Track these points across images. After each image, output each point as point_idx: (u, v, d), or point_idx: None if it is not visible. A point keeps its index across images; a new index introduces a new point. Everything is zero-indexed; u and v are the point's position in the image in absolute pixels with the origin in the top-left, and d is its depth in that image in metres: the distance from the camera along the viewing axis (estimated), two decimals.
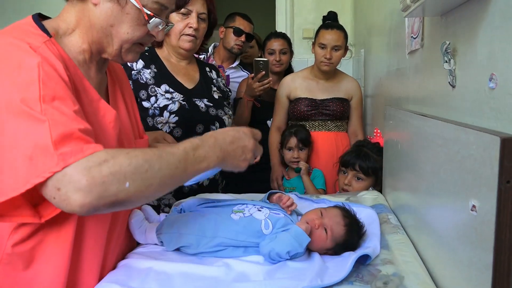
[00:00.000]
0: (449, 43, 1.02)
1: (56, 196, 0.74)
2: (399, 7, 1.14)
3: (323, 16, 2.44)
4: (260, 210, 1.19)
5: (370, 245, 1.16)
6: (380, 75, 2.20)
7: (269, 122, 2.50)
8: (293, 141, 2.23)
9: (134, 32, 0.94)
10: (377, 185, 1.85)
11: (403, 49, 1.58)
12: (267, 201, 1.30)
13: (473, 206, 0.77)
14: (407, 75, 1.54)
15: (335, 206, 1.23)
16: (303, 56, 3.27)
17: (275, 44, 2.51)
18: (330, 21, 2.37)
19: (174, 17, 1.59)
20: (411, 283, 0.97)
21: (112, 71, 1.12)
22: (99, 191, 0.74)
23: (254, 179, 2.51)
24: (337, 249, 1.16)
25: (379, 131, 2.05)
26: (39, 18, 0.93)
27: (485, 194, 0.73)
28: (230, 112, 1.86)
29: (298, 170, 2.21)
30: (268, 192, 1.33)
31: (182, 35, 1.62)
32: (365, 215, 1.34)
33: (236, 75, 2.66)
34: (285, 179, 2.34)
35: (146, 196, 0.82)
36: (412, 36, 1.41)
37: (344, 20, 3.20)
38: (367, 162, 1.84)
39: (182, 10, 1.58)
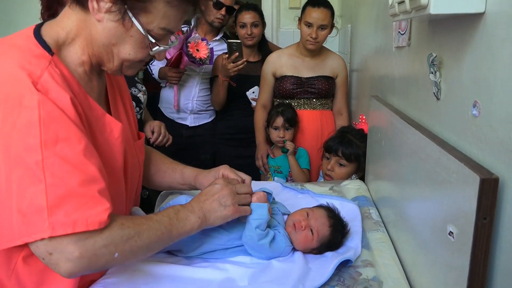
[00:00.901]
0: (436, 56, 1.02)
1: (46, 259, 0.77)
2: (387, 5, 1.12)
3: None
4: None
5: (352, 245, 1.21)
6: (366, 52, 2.19)
7: (248, 94, 2.52)
8: (279, 121, 2.24)
9: (136, 54, 0.92)
10: (360, 171, 1.89)
11: (389, 31, 1.55)
12: None
13: (451, 232, 0.81)
14: (392, 67, 1.54)
15: (321, 206, 1.27)
16: (289, 27, 3.21)
17: (246, 17, 2.47)
18: None
19: None
20: None
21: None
22: (89, 262, 0.78)
23: (238, 154, 2.56)
24: (322, 248, 1.20)
25: (364, 117, 2.07)
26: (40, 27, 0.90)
27: (463, 225, 0.76)
28: (144, 88, 2.07)
29: (285, 151, 2.23)
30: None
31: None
32: (347, 210, 1.38)
33: (220, 48, 2.63)
34: (270, 157, 2.37)
35: (131, 261, 0.91)
36: (399, 32, 1.39)
37: None
38: (349, 149, 1.88)
39: None
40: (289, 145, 2.23)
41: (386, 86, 1.65)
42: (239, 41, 2.35)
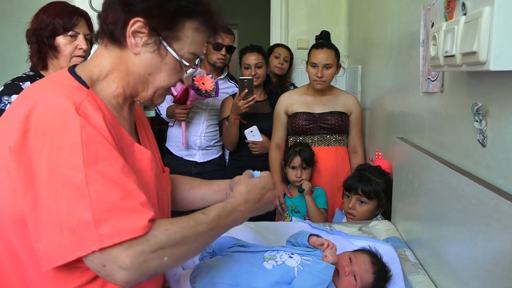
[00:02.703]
0: (481, 106, 1.06)
1: (101, 271, 0.81)
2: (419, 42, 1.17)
3: (316, 36, 2.50)
4: (291, 257, 1.22)
5: None
6: (382, 92, 2.25)
7: (246, 132, 2.51)
8: (297, 161, 2.26)
9: (170, 80, 1.00)
10: (381, 208, 1.92)
11: (414, 76, 1.61)
12: (306, 243, 1.31)
13: None
14: (419, 110, 1.59)
15: (363, 251, 1.27)
16: (298, 67, 3.29)
17: (250, 59, 2.55)
18: (323, 40, 2.43)
19: (61, 40, 1.66)
20: None
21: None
22: (141, 268, 0.81)
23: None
24: None
25: (380, 153, 2.11)
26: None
27: None
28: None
29: (301, 191, 2.25)
30: (308, 234, 1.34)
31: (72, 57, 1.69)
32: (383, 252, 1.38)
33: (225, 86, 2.71)
34: (287, 196, 2.37)
35: (181, 263, 0.95)
36: (429, 78, 1.45)
37: (339, 32, 3.25)
38: (369, 186, 1.91)
39: (70, 32, 1.66)
40: (305, 185, 2.24)
41: (411, 128, 1.69)
42: (250, 77, 2.40)
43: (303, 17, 3.30)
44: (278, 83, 2.92)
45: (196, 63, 1.06)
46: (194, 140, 2.64)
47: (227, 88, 2.71)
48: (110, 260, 0.79)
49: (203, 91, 2.44)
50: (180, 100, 2.48)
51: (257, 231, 1.60)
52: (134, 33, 0.93)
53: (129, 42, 0.94)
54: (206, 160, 2.69)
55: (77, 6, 1.75)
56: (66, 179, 0.80)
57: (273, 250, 1.25)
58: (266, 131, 2.50)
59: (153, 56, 0.95)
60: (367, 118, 2.61)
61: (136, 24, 0.92)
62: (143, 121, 1.20)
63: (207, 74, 2.48)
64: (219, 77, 2.69)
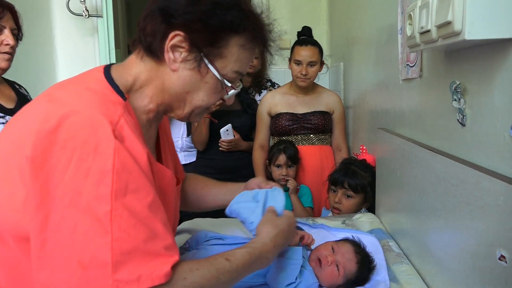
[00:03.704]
0: (459, 83, 1.03)
1: None
2: (397, 31, 1.15)
3: (298, 32, 2.46)
4: None
5: (379, 279, 1.17)
6: (364, 87, 2.23)
7: (222, 131, 2.41)
8: (282, 158, 2.22)
9: (209, 100, 0.91)
10: (367, 202, 1.88)
11: (394, 66, 1.59)
12: None
13: (502, 256, 0.79)
14: (400, 98, 1.56)
15: (346, 240, 1.23)
16: (280, 67, 3.26)
17: None
18: (305, 36, 2.40)
19: None
20: None
21: None
22: None
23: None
24: (348, 285, 1.16)
25: (365, 147, 2.08)
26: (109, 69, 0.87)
27: None
28: None
29: (286, 190, 2.20)
30: None
31: None
32: (367, 242, 1.34)
33: None
34: None
35: None
36: (408, 64, 1.42)
37: (320, 31, 3.24)
38: (355, 180, 1.87)
39: None
40: (290, 183, 2.20)
41: (392, 118, 1.67)
42: None
43: (284, 17, 3.27)
44: (254, 82, 2.86)
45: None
46: (176, 142, 2.57)
47: None
48: None
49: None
50: None
51: (238, 226, 1.55)
52: (173, 47, 0.84)
53: (167, 57, 0.84)
54: (188, 162, 2.62)
55: (52, 7, 1.59)
56: (88, 208, 0.69)
57: None
58: (238, 129, 2.43)
59: (192, 74, 0.86)
60: (351, 116, 2.59)
61: (175, 38, 0.83)
62: (167, 131, 1.12)
63: None
64: None
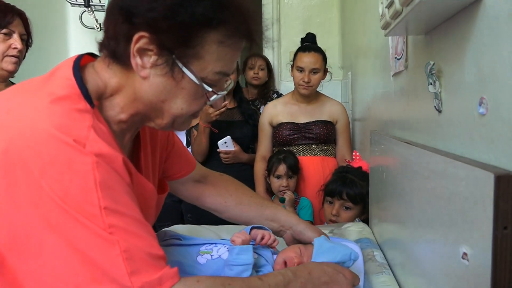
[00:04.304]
0: (433, 64, 0.92)
1: None
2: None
3: (301, 38, 2.38)
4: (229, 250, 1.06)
5: None
6: (367, 98, 2.11)
7: (219, 143, 2.32)
8: (282, 169, 2.11)
9: (190, 107, 0.79)
10: (365, 213, 1.73)
11: (388, 72, 1.48)
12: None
13: (464, 253, 0.65)
14: (392, 98, 1.44)
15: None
16: (290, 79, 3.19)
17: None
18: (309, 43, 2.31)
19: None
20: None
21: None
22: None
23: None
24: None
25: (357, 153, 1.94)
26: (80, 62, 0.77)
27: (478, 241, 0.61)
28: None
29: (282, 201, 2.08)
30: (250, 227, 1.19)
31: (5, 56, 1.57)
32: None
33: None
34: None
35: None
36: (396, 57, 1.31)
37: (332, 42, 3.16)
38: (354, 189, 1.73)
39: (4, 30, 1.55)
40: (287, 195, 2.07)
41: (387, 124, 1.54)
42: None
43: (296, 28, 3.22)
44: (260, 94, 2.80)
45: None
46: None
47: None
48: None
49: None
50: None
51: (213, 231, 1.45)
52: (140, 51, 0.72)
53: (134, 63, 0.73)
54: None
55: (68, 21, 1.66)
56: (83, 229, 0.64)
57: (211, 244, 1.10)
58: (238, 140, 2.34)
59: (165, 80, 0.74)
60: (357, 129, 2.46)
61: (141, 40, 0.71)
62: (156, 136, 1.01)
63: None
64: None
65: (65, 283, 0.63)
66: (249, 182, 2.34)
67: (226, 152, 2.30)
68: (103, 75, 0.77)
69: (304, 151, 2.26)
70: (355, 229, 1.48)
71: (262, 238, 1.07)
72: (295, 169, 2.14)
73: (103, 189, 0.65)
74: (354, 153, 1.88)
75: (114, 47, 0.74)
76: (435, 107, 0.94)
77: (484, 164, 0.64)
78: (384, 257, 1.25)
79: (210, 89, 0.77)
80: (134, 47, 0.71)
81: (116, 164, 0.70)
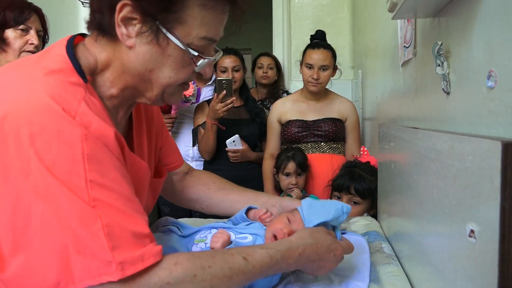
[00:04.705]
0: (441, 44, 0.89)
1: None
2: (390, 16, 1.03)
3: (311, 35, 2.35)
4: None
5: (359, 282, 1.00)
6: (377, 97, 2.08)
7: (228, 142, 2.30)
8: (291, 166, 2.08)
9: (178, 75, 0.79)
10: (373, 208, 1.69)
11: (397, 65, 1.45)
12: (244, 216, 1.13)
13: (471, 231, 0.62)
14: (401, 90, 1.41)
15: None
16: (301, 79, 3.17)
17: (227, 61, 2.34)
18: (318, 40, 2.29)
19: (11, 33, 1.58)
20: None
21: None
22: None
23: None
24: None
25: (365, 149, 1.91)
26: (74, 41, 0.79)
27: (485, 216, 0.58)
28: None
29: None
30: (246, 207, 1.17)
31: (22, 51, 1.60)
32: (353, 242, 1.17)
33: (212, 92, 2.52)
34: None
35: None
36: (405, 46, 1.28)
37: (343, 42, 3.13)
38: (362, 184, 1.70)
39: (21, 26, 1.58)
40: (294, 192, 2.04)
41: (396, 119, 1.51)
42: (229, 78, 2.19)
43: (307, 28, 3.20)
44: (270, 93, 2.78)
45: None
46: (186, 151, 2.46)
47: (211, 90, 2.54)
48: None
49: (183, 97, 2.31)
50: (164, 109, 2.34)
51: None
52: (124, 20, 0.72)
53: (119, 33, 0.73)
54: None
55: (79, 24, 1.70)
56: (68, 199, 0.65)
57: (206, 230, 1.07)
58: (245, 138, 2.31)
59: (151, 48, 0.74)
60: (367, 128, 2.42)
61: (124, 8, 0.72)
62: (152, 116, 1.01)
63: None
64: (207, 84, 2.54)
65: (51, 250, 0.63)
66: (257, 180, 2.32)
67: (235, 151, 2.28)
68: (93, 50, 0.79)
69: (312, 149, 2.24)
70: (363, 223, 1.45)
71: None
72: (304, 167, 2.11)
73: (90, 162, 0.65)
74: (362, 148, 1.84)
75: (100, 19, 0.75)
76: (443, 89, 0.91)
77: (491, 137, 0.61)
78: (392, 249, 1.21)
79: (196, 53, 0.76)
80: (118, 17, 0.72)
81: (107, 139, 0.70)
